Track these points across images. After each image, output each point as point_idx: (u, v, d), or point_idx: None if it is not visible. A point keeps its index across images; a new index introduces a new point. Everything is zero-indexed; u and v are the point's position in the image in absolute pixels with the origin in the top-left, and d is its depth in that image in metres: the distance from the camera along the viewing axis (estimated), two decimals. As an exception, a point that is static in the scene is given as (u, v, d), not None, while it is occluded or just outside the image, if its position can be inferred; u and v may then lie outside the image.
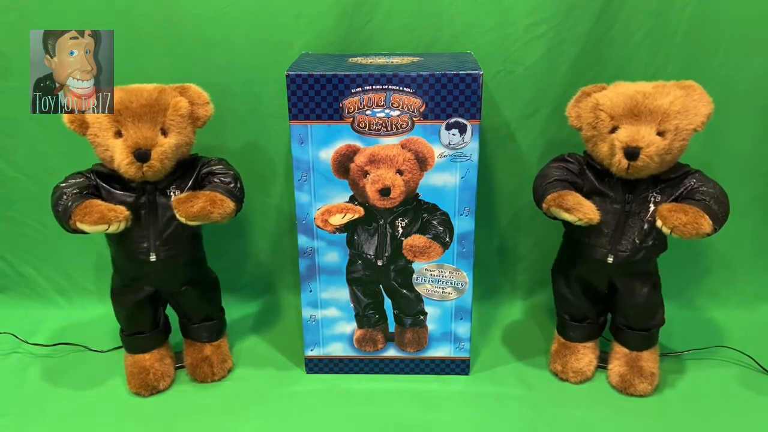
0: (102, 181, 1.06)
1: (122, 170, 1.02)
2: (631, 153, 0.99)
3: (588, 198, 1.04)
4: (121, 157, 1.00)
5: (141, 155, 1.00)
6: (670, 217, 0.97)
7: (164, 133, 1.03)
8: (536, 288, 1.48)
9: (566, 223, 1.10)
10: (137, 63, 1.26)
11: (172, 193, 1.07)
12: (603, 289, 1.15)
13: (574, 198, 1.02)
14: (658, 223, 0.99)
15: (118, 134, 1.02)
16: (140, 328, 1.16)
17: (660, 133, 1.00)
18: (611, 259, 1.07)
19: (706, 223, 0.97)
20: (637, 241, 1.05)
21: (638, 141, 0.98)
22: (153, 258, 1.07)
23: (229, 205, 1.03)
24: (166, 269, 1.10)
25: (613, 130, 1.02)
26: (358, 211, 1.09)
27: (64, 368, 1.24)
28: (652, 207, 1.04)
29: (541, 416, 1.10)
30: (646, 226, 1.05)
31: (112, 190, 1.06)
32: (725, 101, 1.24)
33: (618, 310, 1.16)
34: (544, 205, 1.05)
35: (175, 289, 1.15)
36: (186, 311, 1.19)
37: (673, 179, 1.05)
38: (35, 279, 1.46)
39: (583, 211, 1.00)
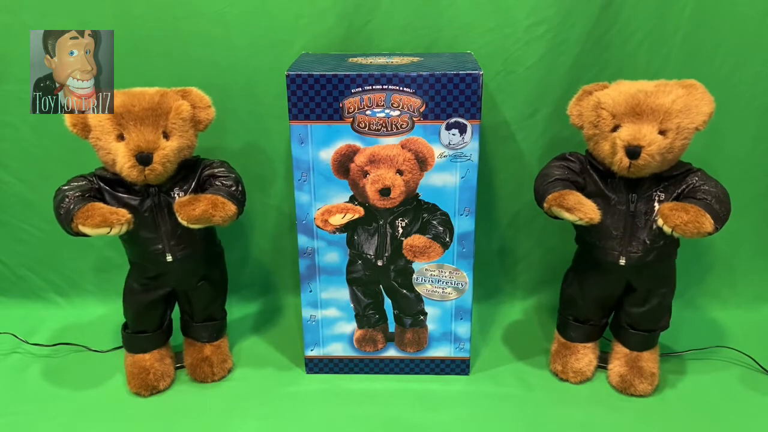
0: (105, 184, 1.07)
1: (124, 173, 1.02)
2: (633, 151, 0.98)
3: (592, 200, 1.04)
4: (123, 161, 1.00)
5: (143, 158, 1.00)
6: (672, 215, 0.97)
7: (166, 136, 1.04)
8: (536, 288, 1.48)
9: (576, 227, 1.10)
10: (137, 63, 1.26)
11: (176, 195, 1.07)
12: (617, 295, 1.14)
13: (575, 197, 1.02)
14: (660, 221, 0.99)
15: (120, 137, 1.02)
16: (145, 328, 1.16)
17: (662, 132, 1.00)
18: (623, 261, 1.06)
19: (708, 222, 0.97)
20: (648, 242, 1.05)
21: (640, 140, 0.98)
22: (170, 258, 1.08)
23: (231, 208, 1.03)
24: (183, 268, 1.11)
25: (615, 128, 1.02)
26: (358, 211, 1.09)
27: (64, 368, 1.25)
28: (657, 206, 1.04)
29: (541, 416, 1.10)
30: (654, 226, 1.04)
31: (117, 193, 1.06)
32: (725, 101, 1.24)
33: (625, 309, 1.15)
34: (545, 205, 1.05)
35: (191, 286, 1.15)
36: (194, 308, 1.19)
37: (675, 176, 1.05)
38: (34, 281, 1.46)
39: (584, 210, 1.00)
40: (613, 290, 1.14)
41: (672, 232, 0.98)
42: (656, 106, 0.99)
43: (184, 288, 1.16)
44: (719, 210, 0.99)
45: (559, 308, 1.23)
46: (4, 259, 1.45)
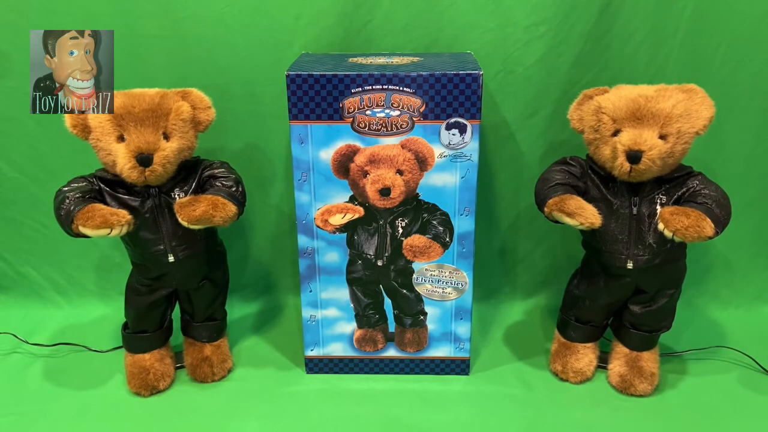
0: (106, 185, 1.07)
1: (124, 174, 1.02)
2: (634, 156, 0.98)
3: (594, 205, 1.04)
4: (123, 162, 1.00)
5: (143, 160, 1.00)
6: (672, 220, 0.97)
7: (166, 137, 1.04)
8: (537, 289, 1.48)
9: (582, 233, 1.10)
10: (137, 63, 1.26)
11: (177, 196, 1.07)
12: (626, 299, 1.14)
13: (575, 202, 1.02)
14: (660, 226, 0.99)
15: (121, 139, 1.02)
16: (146, 328, 1.17)
17: (662, 137, 1.00)
18: (631, 265, 1.06)
19: (708, 227, 0.97)
20: (654, 245, 1.05)
21: (640, 144, 0.98)
22: (171, 259, 1.08)
23: (231, 208, 1.03)
24: (185, 268, 1.11)
25: (616, 133, 1.02)
26: (358, 211, 1.09)
27: (64, 368, 1.25)
28: (659, 209, 1.04)
29: (541, 416, 1.10)
30: (652, 230, 1.05)
31: (117, 194, 1.06)
32: (725, 101, 1.24)
33: (629, 308, 1.15)
34: (545, 210, 1.05)
35: (193, 286, 1.15)
36: (195, 307, 1.19)
37: (676, 178, 1.05)
38: (35, 279, 1.46)
39: (585, 215, 1.00)
40: (622, 295, 1.13)
41: (673, 236, 0.98)
42: (657, 110, 0.99)
43: (187, 288, 1.16)
44: (720, 214, 0.99)
45: (561, 307, 1.22)
46: (6, 255, 1.45)
